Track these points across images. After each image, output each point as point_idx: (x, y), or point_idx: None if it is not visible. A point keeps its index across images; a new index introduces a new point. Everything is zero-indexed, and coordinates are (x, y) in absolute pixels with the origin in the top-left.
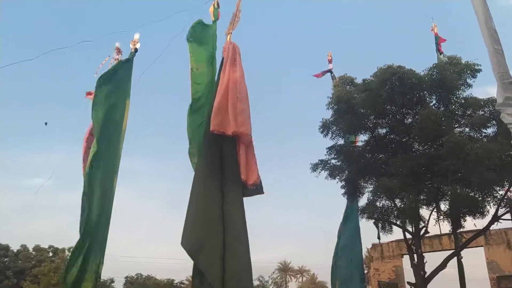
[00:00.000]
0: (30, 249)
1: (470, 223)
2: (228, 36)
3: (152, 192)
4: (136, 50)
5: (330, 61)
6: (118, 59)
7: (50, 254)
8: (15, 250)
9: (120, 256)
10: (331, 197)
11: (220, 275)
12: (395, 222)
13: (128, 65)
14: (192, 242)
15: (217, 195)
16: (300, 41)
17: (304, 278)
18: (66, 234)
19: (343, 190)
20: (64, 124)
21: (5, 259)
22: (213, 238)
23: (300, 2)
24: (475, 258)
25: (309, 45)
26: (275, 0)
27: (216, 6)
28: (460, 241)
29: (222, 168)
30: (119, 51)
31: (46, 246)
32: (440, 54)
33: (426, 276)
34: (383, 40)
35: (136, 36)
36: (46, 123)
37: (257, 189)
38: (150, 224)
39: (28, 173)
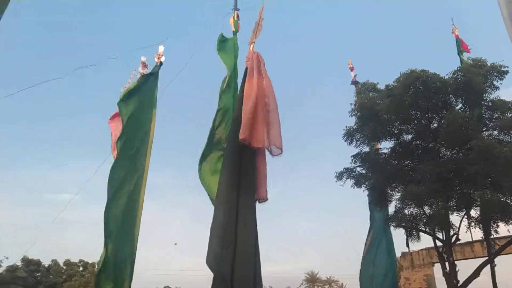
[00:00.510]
0: (61, 264)
1: (504, 229)
2: (252, 46)
3: (179, 204)
4: (161, 63)
5: (351, 69)
6: (143, 73)
7: (80, 268)
8: (46, 265)
9: (148, 269)
10: (357, 204)
11: None
12: (424, 229)
13: (153, 78)
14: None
15: (235, 207)
16: (321, 49)
17: None
18: (95, 248)
19: (369, 199)
20: (88, 138)
21: (37, 274)
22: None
23: (319, 8)
24: (510, 265)
25: (330, 52)
26: (294, 7)
27: (236, 18)
28: (493, 248)
29: (240, 178)
30: (144, 65)
31: (76, 261)
32: (463, 54)
33: (459, 285)
34: (405, 45)
35: (161, 49)
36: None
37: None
38: (178, 237)
39: (57, 188)
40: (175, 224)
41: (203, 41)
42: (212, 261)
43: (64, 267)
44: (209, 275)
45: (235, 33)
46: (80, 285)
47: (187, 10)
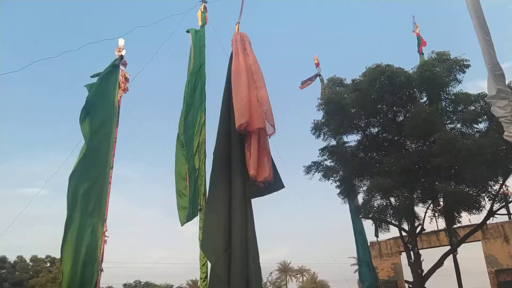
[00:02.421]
0: (27, 260)
1: (467, 219)
2: (237, 26)
3: (146, 198)
4: (121, 57)
5: (317, 65)
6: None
7: (48, 264)
8: (12, 261)
9: (118, 263)
10: (328, 196)
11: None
12: (390, 221)
13: (114, 71)
14: (212, 248)
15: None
16: (285, 43)
17: (305, 278)
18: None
19: (338, 190)
20: (57, 134)
21: (2, 271)
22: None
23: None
24: (473, 252)
25: (294, 46)
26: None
27: (203, 10)
28: (457, 237)
29: (230, 168)
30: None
31: (43, 256)
32: (422, 52)
33: (423, 274)
34: (372, 39)
35: (121, 43)
36: None
37: (272, 185)
38: (147, 230)
39: (24, 183)
40: (145, 218)
41: (169, 34)
42: (214, 264)
43: (31, 263)
44: (183, 266)
45: (202, 26)
46: (47, 281)
47: (153, 3)
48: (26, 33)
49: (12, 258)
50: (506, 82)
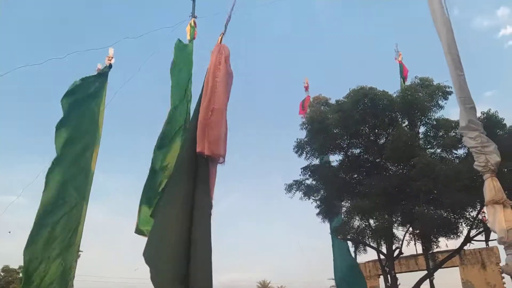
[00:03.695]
0: None
1: (448, 243)
2: (220, 37)
3: (124, 210)
4: (110, 65)
5: (306, 88)
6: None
7: (20, 275)
8: None
9: (92, 276)
10: (308, 214)
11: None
12: (369, 243)
13: (102, 78)
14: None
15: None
16: (272, 64)
17: None
18: None
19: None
20: (36, 141)
21: None
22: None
23: (270, 23)
24: (451, 278)
25: (282, 66)
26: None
27: (193, 24)
28: (435, 261)
29: (195, 188)
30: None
31: (16, 267)
32: (404, 83)
33: None
34: (359, 61)
35: (111, 52)
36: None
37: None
38: (123, 243)
39: (3, 190)
40: (121, 230)
41: (157, 47)
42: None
43: (2, 273)
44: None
45: (191, 41)
46: None
47: (142, 15)
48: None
49: None
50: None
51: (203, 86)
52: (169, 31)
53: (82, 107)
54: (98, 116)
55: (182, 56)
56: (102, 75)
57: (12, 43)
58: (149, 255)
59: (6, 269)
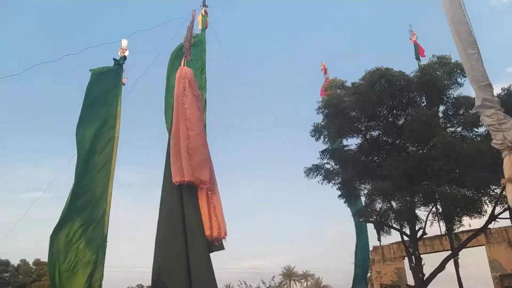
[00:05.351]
0: (31, 264)
1: (472, 222)
2: (183, 61)
3: (149, 201)
4: (124, 57)
5: (325, 71)
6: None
7: None
8: (15, 265)
9: (121, 267)
10: (333, 199)
11: None
12: (392, 224)
13: (117, 71)
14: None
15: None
16: (289, 45)
17: (309, 283)
18: None
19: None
20: (56, 136)
21: (6, 275)
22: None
23: (287, 4)
24: (477, 257)
25: (298, 48)
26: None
27: (204, 14)
28: (459, 241)
29: (184, 219)
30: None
31: (46, 260)
32: (420, 59)
33: (424, 278)
34: (377, 41)
35: (124, 44)
36: None
37: (220, 245)
38: (149, 235)
39: (29, 187)
40: (146, 222)
41: (170, 38)
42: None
43: (34, 267)
44: None
45: (203, 30)
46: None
47: (154, 6)
48: (26, 36)
49: (15, 261)
50: None
51: (171, 116)
52: (180, 22)
53: (102, 100)
54: (116, 109)
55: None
56: (117, 68)
57: (26, 38)
58: None
59: (37, 263)
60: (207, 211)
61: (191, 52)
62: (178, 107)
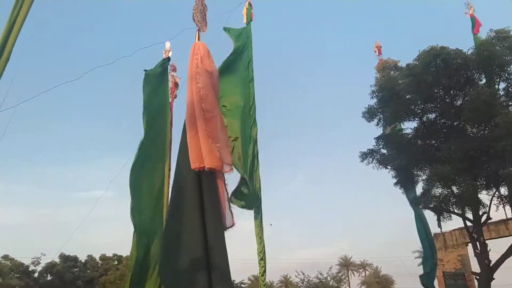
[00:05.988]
0: (97, 259)
1: None
2: (197, 34)
3: None
4: (168, 58)
5: (379, 52)
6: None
7: (115, 262)
8: (83, 261)
9: None
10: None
11: None
12: (453, 210)
13: (164, 74)
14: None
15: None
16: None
17: (367, 272)
18: (128, 242)
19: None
20: (117, 137)
21: (75, 270)
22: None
23: None
24: None
25: (348, 29)
26: None
27: (248, 7)
28: None
29: (203, 205)
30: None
31: (111, 255)
32: (476, 35)
33: (491, 265)
34: (425, 23)
35: (167, 45)
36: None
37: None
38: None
39: (88, 186)
40: None
41: (217, 34)
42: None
43: (100, 262)
44: (241, 262)
45: (248, 23)
46: (116, 279)
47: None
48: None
49: (83, 257)
50: None
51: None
52: (226, 17)
53: (155, 99)
54: (167, 108)
55: (242, 39)
56: (163, 70)
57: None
58: (166, 279)
59: (103, 258)
60: (222, 199)
61: (206, 24)
62: (192, 86)
